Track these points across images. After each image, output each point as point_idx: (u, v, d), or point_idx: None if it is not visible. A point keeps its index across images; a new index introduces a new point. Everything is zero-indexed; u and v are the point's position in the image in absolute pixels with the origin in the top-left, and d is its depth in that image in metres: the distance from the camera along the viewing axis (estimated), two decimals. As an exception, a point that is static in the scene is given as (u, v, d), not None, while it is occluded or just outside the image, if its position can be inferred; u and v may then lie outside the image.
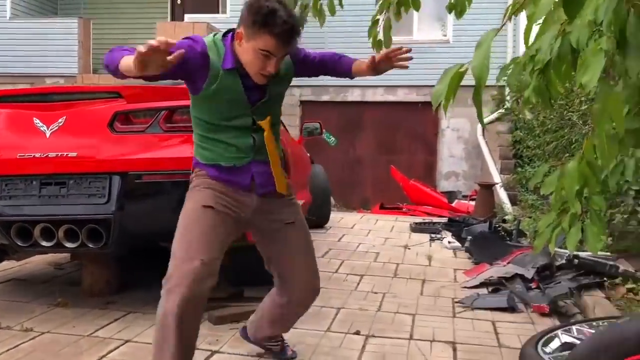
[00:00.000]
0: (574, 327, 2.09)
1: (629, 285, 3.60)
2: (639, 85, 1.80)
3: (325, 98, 11.42)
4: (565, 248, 4.43)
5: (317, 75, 2.27)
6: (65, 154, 2.81)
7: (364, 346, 2.76)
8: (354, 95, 11.23)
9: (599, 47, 1.28)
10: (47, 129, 2.87)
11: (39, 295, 3.47)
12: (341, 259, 4.70)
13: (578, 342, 2.01)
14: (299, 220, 2.26)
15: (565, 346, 2.00)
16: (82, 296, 3.41)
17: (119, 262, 3.42)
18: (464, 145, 10.65)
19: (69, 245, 2.82)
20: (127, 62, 1.69)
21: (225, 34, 2.03)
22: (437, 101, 1.09)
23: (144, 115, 2.86)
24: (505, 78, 1.70)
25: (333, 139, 8.45)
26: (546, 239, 1.94)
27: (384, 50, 2.16)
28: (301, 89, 11.54)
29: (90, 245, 2.80)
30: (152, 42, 1.58)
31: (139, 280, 3.66)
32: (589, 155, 1.58)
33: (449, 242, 5.34)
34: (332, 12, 2.66)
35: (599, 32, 1.32)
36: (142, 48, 1.57)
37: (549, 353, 1.91)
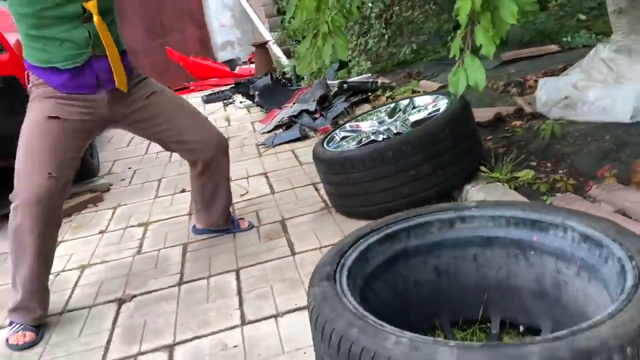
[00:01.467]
0: (347, 125, 2.71)
1: (387, 94, 4.43)
2: None
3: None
4: (337, 79, 5.17)
5: None
6: None
7: (192, 198, 3.17)
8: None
9: None
10: None
11: None
12: (146, 143, 4.89)
13: (350, 133, 2.63)
14: (160, 88, 2.17)
15: (342, 139, 2.61)
16: None
17: None
18: (231, 13, 10.83)
19: None
20: None
21: None
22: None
23: None
24: None
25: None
26: (308, 61, 2.42)
27: None
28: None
29: None
30: None
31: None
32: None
33: (241, 102, 5.78)
34: None
35: None
36: None
37: (331, 146, 2.50)
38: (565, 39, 4.71)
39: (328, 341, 1.02)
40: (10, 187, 1.91)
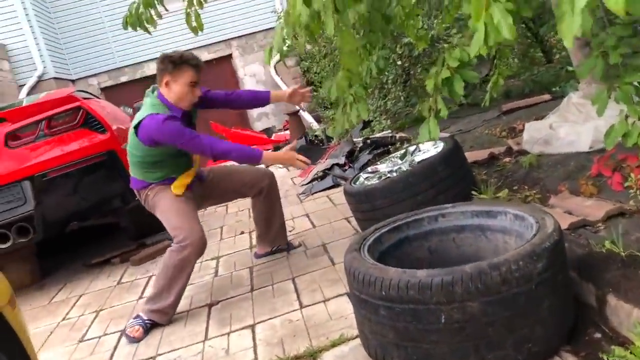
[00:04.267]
0: (368, 168, 3.50)
1: (406, 146, 5.22)
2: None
3: (123, 79, 11.81)
4: (362, 136, 6.00)
5: (222, 108, 3.18)
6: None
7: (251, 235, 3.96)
8: (151, 69, 11.78)
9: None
10: None
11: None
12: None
13: (371, 174, 3.41)
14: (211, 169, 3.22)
15: (366, 179, 3.39)
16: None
17: (36, 255, 4.11)
18: (264, 87, 11.97)
19: (2, 246, 3.50)
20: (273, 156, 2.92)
21: (152, 92, 2.77)
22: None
23: (29, 129, 3.57)
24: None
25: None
26: (341, 124, 3.23)
27: (298, 87, 3.34)
28: (97, 77, 11.76)
29: (22, 240, 3.52)
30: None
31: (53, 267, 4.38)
32: (346, 64, 2.85)
33: (280, 163, 6.65)
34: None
35: None
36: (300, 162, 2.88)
37: (357, 184, 3.27)
38: (555, 89, 5.47)
39: (355, 278, 1.76)
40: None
